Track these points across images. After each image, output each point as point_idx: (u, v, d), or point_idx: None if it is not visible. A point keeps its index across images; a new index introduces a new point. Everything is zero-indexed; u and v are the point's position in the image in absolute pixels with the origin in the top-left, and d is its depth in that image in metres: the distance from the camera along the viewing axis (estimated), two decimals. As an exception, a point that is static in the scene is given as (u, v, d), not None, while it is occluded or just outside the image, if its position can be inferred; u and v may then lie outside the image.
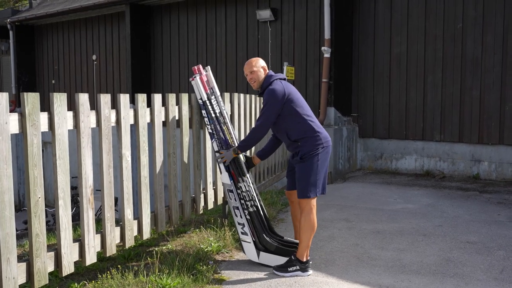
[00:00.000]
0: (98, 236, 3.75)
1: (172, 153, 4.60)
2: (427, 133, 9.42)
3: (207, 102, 4.79)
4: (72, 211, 10.57)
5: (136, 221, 4.18)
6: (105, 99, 3.74)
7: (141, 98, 4.15)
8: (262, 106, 4.29)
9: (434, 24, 9.23)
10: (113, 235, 3.86)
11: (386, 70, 9.80)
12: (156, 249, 4.74)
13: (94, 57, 14.83)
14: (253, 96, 6.29)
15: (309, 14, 10.57)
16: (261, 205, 4.57)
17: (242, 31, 11.74)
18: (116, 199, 8.30)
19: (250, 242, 4.47)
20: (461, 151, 9.07)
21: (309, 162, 4.16)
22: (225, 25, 12.04)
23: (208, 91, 4.84)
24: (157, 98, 4.37)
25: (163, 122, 4.47)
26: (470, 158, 8.98)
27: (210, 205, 5.30)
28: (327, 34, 9.72)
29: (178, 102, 4.71)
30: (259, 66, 4.39)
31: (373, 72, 9.94)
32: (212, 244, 4.77)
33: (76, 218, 9.06)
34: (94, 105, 3.73)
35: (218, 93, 4.96)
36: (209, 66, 5.07)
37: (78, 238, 3.62)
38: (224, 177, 4.54)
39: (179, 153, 4.74)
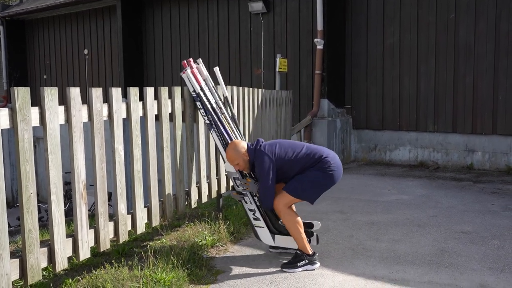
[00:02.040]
0: (92, 231, 3.72)
1: (165, 147, 4.57)
2: (420, 123, 9.43)
3: (201, 93, 4.78)
4: (65, 206, 10.53)
5: (129, 216, 4.16)
6: (96, 93, 3.70)
7: (133, 91, 4.12)
8: (258, 172, 4.26)
9: (426, 12, 9.21)
10: (106, 230, 3.84)
11: (379, 61, 9.78)
12: (151, 243, 4.72)
13: (85, 51, 14.74)
14: (246, 88, 6.26)
15: (302, 6, 10.53)
16: None
17: (235, 24, 11.69)
18: (110, 194, 8.26)
19: (264, 227, 4.45)
20: (454, 141, 9.09)
21: (312, 172, 4.18)
22: (217, 18, 11.98)
23: (201, 83, 4.83)
24: (150, 91, 4.33)
25: (155, 115, 4.44)
26: (463, 148, 9.00)
27: (204, 199, 5.28)
28: (319, 26, 9.69)
29: (171, 96, 4.68)
30: (238, 158, 4.29)
31: (366, 63, 9.92)
32: (207, 237, 4.75)
33: (70, 214, 9.02)
34: (86, 99, 3.70)
35: (212, 84, 4.94)
36: (200, 59, 5.04)
37: (72, 234, 3.59)
38: (228, 166, 4.51)
39: (172, 147, 4.71)
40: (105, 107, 3.83)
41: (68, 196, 11.13)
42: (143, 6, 13.40)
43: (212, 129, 4.77)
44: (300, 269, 4.17)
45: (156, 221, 4.47)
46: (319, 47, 9.69)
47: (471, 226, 5.38)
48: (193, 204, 5.09)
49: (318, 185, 4.22)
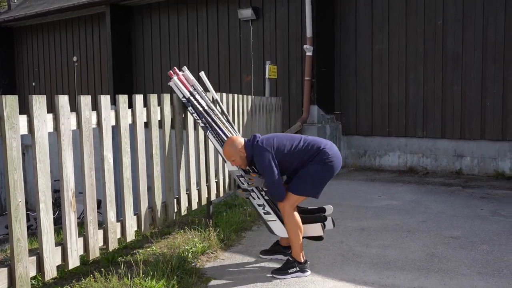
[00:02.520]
0: (81, 239, 3.70)
1: (154, 154, 4.56)
2: (409, 129, 9.48)
3: (191, 98, 4.82)
4: (55, 214, 10.47)
5: (119, 223, 4.14)
6: (85, 101, 3.69)
7: (122, 99, 4.11)
8: (260, 168, 4.25)
9: (414, 21, 9.29)
10: (96, 238, 3.82)
11: (368, 67, 9.84)
12: (140, 251, 4.70)
13: (75, 58, 14.69)
14: (235, 95, 6.27)
15: (291, 12, 10.57)
16: None
17: (224, 31, 11.71)
18: (99, 201, 8.21)
19: (276, 220, 4.41)
20: (443, 147, 9.14)
21: (312, 167, 4.19)
22: (207, 25, 12.00)
23: (190, 88, 4.85)
24: (139, 99, 4.33)
25: (145, 123, 4.43)
26: (452, 153, 9.05)
27: (194, 206, 5.26)
28: (309, 32, 9.73)
29: (160, 103, 4.68)
30: (235, 154, 4.30)
31: (356, 69, 9.97)
32: (197, 245, 4.74)
33: (59, 221, 8.97)
34: (75, 107, 3.68)
35: (201, 89, 4.96)
36: (185, 66, 5.07)
37: (61, 242, 3.57)
38: (229, 165, 4.48)
39: (162, 154, 4.71)
40: (94, 115, 3.82)
41: (57, 204, 11.07)
42: (132, 13, 13.39)
43: (208, 131, 4.80)
44: (290, 276, 4.16)
45: (145, 229, 4.45)
46: (309, 53, 9.73)
47: (461, 231, 5.41)
48: (183, 212, 5.07)
49: (320, 179, 4.22)
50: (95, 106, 3.89)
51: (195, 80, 4.97)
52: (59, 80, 15.27)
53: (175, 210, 4.93)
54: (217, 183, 5.74)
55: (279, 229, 4.42)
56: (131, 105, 4.27)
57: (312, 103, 9.83)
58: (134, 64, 13.52)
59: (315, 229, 4.39)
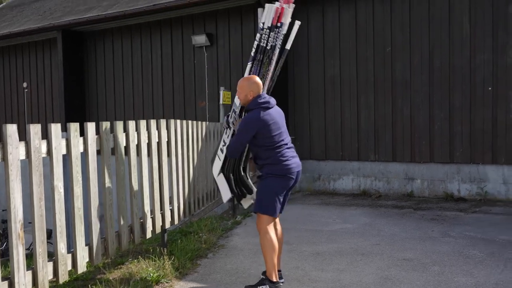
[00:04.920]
0: (30, 272, 3.58)
1: (107, 182, 4.48)
2: (362, 153, 9.66)
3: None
4: (3, 246, 10.09)
5: (70, 255, 4.03)
6: (34, 130, 3.61)
7: (74, 127, 4.04)
8: (240, 124, 4.46)
9: (365, 48, 9.55)
10: (45, 271, 3.70)
11: (321, 93, 10.02)
12: (92, 283, 4.58)
13: (25, 84, 14.35)
14: (189, 122, 6.26)
15: (244, 39, 10.70)
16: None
17: (178, 57, 11.73)
18: (50, 231, 7.98)
19: (221, 161, 4.73)
20: (395, 170, 9.36)
21: (265, 181, 4.40)
22: (161, 51, 11.99)
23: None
24: (90, 126, 4.26)
25: (97, 151, 4.37)
26: (404, 176, 9.28)
27: (149, 234, 5.18)
28: (262, 59, 9.83)
29: (113, 130, 4.62)
30: (246, 89, 4.46)
31: (309, 95, 10.14)
32: (151, 274, 4.66)
33: (8, 253, 8.64)
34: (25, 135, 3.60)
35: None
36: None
37: (8, 276, 3.44)
38: (236, 100, 4.72)
39: (115, 182, 4.63)
40: (44, 144, 3.73)
41: (5, 235, 10.67)
42: (84, 39, 13.24)
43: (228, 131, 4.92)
44: None
45: (98, 260, 4.35)
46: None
47: (413, 253, 5.52)
48: (137, 240, 4.98)
49: (277, 194, 4.37)
50: (46, 135, 3.80)
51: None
52: (8, 107, 14.86)
53: (129, 239, 4.83)
54: (172, 211, 5.68)
55: (216, 167, 4.76)
56: (83, 133, 4.20)
57: (266, 128, 9.88)
58: (87, 90, 13.32)
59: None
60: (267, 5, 4.85)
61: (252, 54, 4.88)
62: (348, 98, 9.76)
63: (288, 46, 5.01)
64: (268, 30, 4.82)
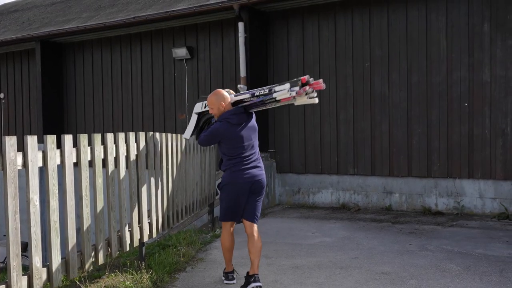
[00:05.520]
0: (3, 287, 3.51)
1: (84, 195, 4.43)
2: (341, 167, 9.72)
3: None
4: (-24, 259, 9.87)
5: (45, 269, 3.96)
6: (10, 142, 3.57)
7: (50, 139, 4.00)
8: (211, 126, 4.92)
9: (344, 64, 9.65)
10: (19, 285, 3.63)
11: (301, 107, 10.06)
12: (68, 297, 4.51)
13: (2, 95, 14.17)
14: (169, 134, 6.24)
15: (225, 53, 10.74)
16: None
17: (158, 69, 11.71)
18: (26, 244, 7.85)
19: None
20: (373, 184, 9.43)
21: (221, 191, 4.92)
22: (141, 63, 11.95)
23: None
24: (68, 138, 4.22)
25: (74, 163, 4.32)
26: (382, 190, 9.35)
27: (126, 248, 5.13)
28: (242, 72, 9.89)
29: (90, 143, 4.58)
30: (216, 103, 4.79)
31: (289, 109, 10.18)
32: (129, 288, 4.60)
33: (-19, 267, 8.45)
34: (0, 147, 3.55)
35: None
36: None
37: (-20, 291, 3.37)
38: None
39: (92, 195, 4.58)
40: (19, 156, 3.68)
41: (-21, 249, 10.44)
42: (63, 50, 13.14)
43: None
44: (224, 280, 5.07)
45: (74, 274, 4.28)
46: (243, 93, 9.84)
47: (391, 266, 5.55)
48: (114, 254, 4.93)
49: (230, 201, 4.86)
50: (22, 147, 3.76)
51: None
52: (-16, 117, 14.65)
53: (106, 253, 4.78)
54: (150, 224, 5.63)
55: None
56: (60, 145, 4.16)
57: (246, 142, 9.89)
58: (65, 102, 13.19)
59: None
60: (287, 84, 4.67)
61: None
62: (327, 112, 9.83)
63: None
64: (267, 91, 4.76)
